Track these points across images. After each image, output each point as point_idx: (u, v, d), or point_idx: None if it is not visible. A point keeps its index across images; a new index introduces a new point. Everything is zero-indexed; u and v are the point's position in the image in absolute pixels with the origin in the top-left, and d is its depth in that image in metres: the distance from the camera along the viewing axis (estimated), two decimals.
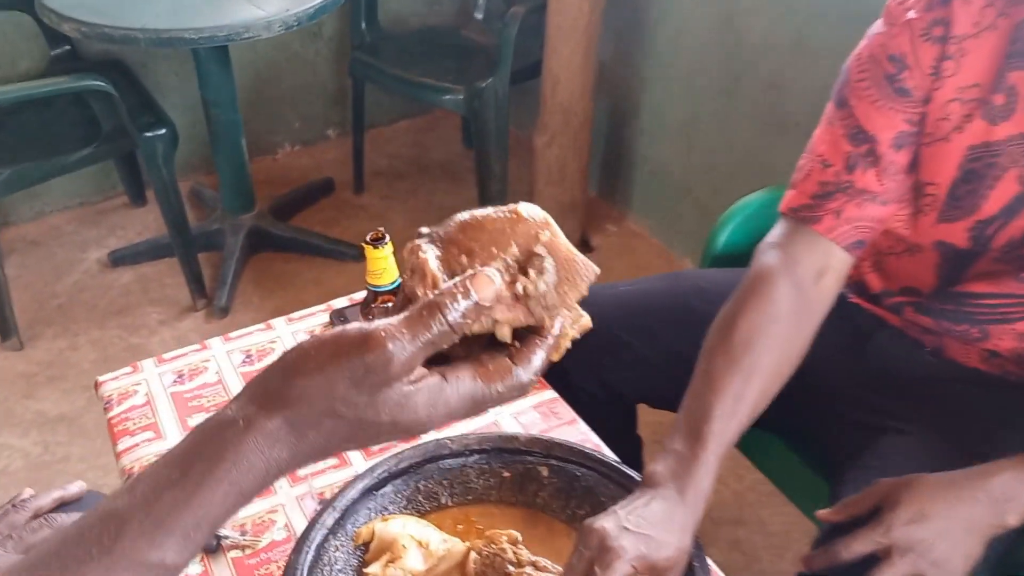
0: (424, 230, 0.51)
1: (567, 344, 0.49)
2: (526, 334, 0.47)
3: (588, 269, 0.49)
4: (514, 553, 0.83)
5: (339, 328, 0.44)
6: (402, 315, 0.43)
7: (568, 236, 0.49)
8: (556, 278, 0.47)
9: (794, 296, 0.88)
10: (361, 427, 0.43)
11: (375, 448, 0.93)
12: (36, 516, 0.82)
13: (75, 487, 0.88)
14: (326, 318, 1.21)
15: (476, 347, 0.46)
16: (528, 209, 0.51)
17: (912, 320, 1.01)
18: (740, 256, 1.21)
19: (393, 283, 0.97)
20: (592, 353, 0.98)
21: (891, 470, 0.86)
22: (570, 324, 0.49)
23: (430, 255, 0.48)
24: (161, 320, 2.11)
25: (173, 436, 1.03)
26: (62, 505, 0.86)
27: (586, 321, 0.50)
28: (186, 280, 2.14)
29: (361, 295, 1.16)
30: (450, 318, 0.43)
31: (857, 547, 0.80)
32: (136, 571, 0.43)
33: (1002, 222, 0.89)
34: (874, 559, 0.80)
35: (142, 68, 2.39)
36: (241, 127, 2.21)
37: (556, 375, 1.07)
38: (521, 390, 0.46)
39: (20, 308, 2.07)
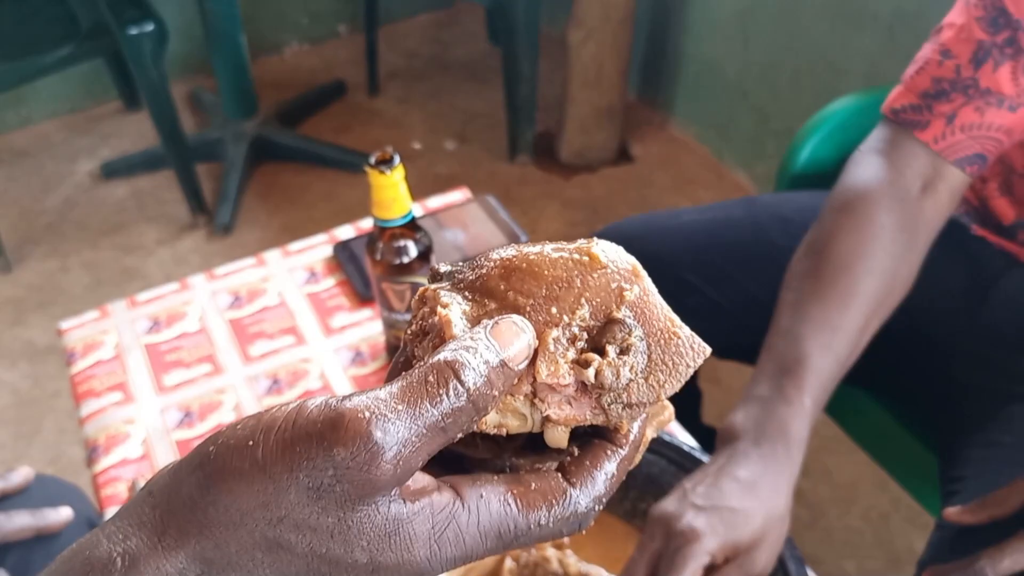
0: (443, 268, 0.32)
1: (644, 450, 0.30)
2: (588, 437, 0.30)
3: (695, 349, 0.30)
4: (559, 561, 0.67)
5: (295, 404, 0.25)
6: (395, 383, 0.25)
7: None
8: (647, 360, 0.29)
9: (898, 211, 0.70)
10: (319, 569, 0.25)
11: None
12: None
13: (18, 475, 0.71)
14: (329, 251, 1.01)
15: (508, 451, 0.30)
16: (608, 251, 0.31)
17: None
18: (826, 176, 1.00)
19: (405, 217, 0.77)
20: None
21: None
22: (649, 421, 0.31)
23: (454, 310, 0.29)
24: (159, 239, 1.93)
25: (145, 399, 0.86)
26: (2, 498, 0.70)
27: (669, 415, 0.33)
28: (184, 195, 1.94)
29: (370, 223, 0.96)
30: (470, 383, 0.25)
31: (1008, 564, 0.62)
32: None
33: None
34: None
35: None
36: (239, 22, 1.97)
37: None
38: (576, 523, 0.28)
39: (7, 226, 1.90)
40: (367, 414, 0.24)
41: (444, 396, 0.25)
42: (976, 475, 0.77)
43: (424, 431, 0.24)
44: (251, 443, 0.25)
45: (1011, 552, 0.62)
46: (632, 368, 0.28)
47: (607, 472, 0.28)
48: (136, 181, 2.08)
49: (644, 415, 0.30)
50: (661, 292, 0.31)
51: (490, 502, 0.26)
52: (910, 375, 0.90)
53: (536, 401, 0.28)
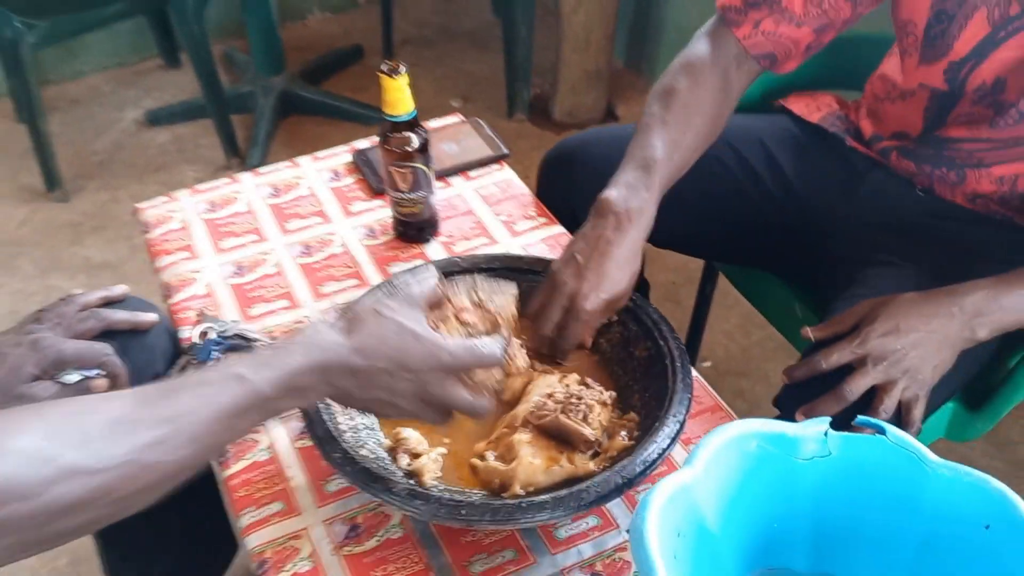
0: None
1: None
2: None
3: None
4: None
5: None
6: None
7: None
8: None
9: (718, 76, 0.98)
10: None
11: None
12: (83, 309, 0.92)
13: (118, 289, 0.97)
14: (349, 158, 1.27)
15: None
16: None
17: (898, 164, 1.05)
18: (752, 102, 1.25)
19: (409, 114, 1.03)
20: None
21: (877, 296, 0.92)
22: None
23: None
24: (196, 178, 2.19)
25: (207, 255, 1.11)
26: (107, 304, 0.95)
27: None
28: (220, 140, 2.20)
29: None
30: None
31: (835, 358, 0.86)
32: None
33: (973, 63, 0.92)
34: (851, 369, 0.86)
35: None
36: None
37: (566, 215, 1.14)
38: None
39: (64, 163, 2.17)
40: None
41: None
42: None
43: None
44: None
45: (838, 349, 0.87)
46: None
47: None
48: (176, 128, 2.35)
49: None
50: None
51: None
52: (801, 254, 1.14)
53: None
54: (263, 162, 2.21)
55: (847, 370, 0.86)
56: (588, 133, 1.21)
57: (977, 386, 1.06)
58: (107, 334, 0.91)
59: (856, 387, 0.83)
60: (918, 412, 0.85)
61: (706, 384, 0.93)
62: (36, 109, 2.04)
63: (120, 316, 0.93)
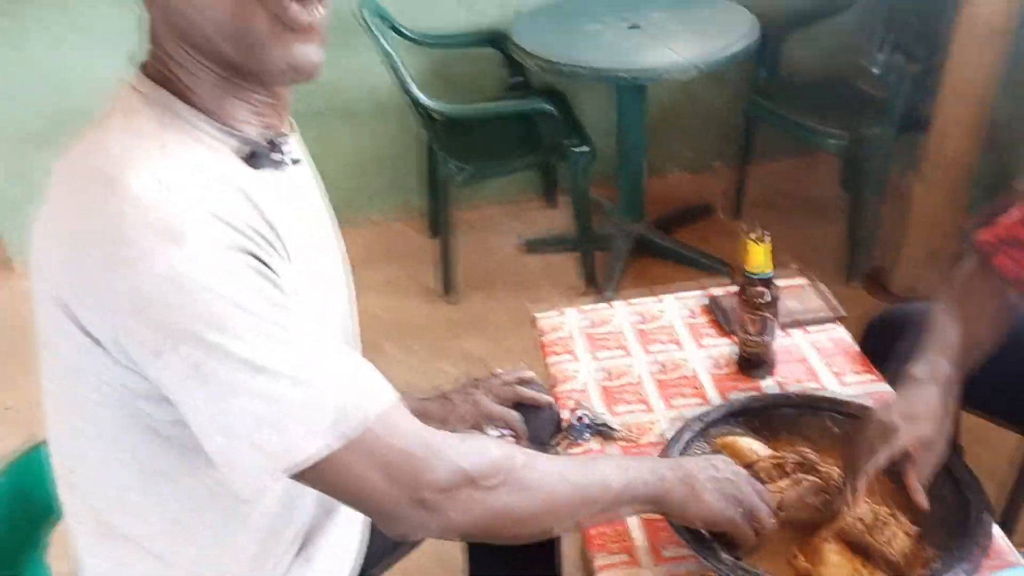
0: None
1: None
2: None
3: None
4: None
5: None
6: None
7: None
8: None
9: (995, 291, 1.16)
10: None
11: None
12: (504, 383, 1.26)
13: (529, 373, 1.31)
14: (704, 300, 1.54)
15: None
16: None
17: None
18: None
19: (766, 274, 1.27)
20: None
21: None
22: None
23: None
24: (557, 297, 2.59)
25: (585, 360, 1.42)
26: (521, 382, 1.29)
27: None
28: (582, 270, 2.60)
29: (734, 289, 1.47)
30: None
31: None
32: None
33: None
34: None
35: (574, 95, 2.92)
36: (644, 151, 2.63)
37: (889, 374, 1.29)
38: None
39: (458, 273, 2.68)
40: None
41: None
42: None
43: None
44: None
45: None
46: None
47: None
48: (547, 256, 2.81)
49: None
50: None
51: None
52: None
53: None
54: (615, 294, 2.56)
55: None
56: (911, 307, 1.37)
57: None
58: (516, 403, 1.24)
59: None
60: None
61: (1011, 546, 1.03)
62: (448, 229, 2.58)
63: (529, 394, 1.25)
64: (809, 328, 1.44)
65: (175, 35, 0.75)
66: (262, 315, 0.70)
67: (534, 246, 2.85)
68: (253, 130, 0.80)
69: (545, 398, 1.27)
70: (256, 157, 0.78)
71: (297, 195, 0.87)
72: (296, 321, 0.73)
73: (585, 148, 2.47)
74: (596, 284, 2.60)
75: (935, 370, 1.06)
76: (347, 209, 2.91)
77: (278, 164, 0.81)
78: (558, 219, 2.96)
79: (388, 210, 3.04)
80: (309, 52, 0.76)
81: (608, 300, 2.45)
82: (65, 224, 0.70)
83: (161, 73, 0.77)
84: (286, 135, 0.84)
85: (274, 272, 0.73)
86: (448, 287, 2.63)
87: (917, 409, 1.02)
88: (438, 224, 2.70)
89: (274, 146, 0.81)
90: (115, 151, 0.70)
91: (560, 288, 2.65)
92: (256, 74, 0.76)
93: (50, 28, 2.50)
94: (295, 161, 0.85)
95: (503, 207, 3.09)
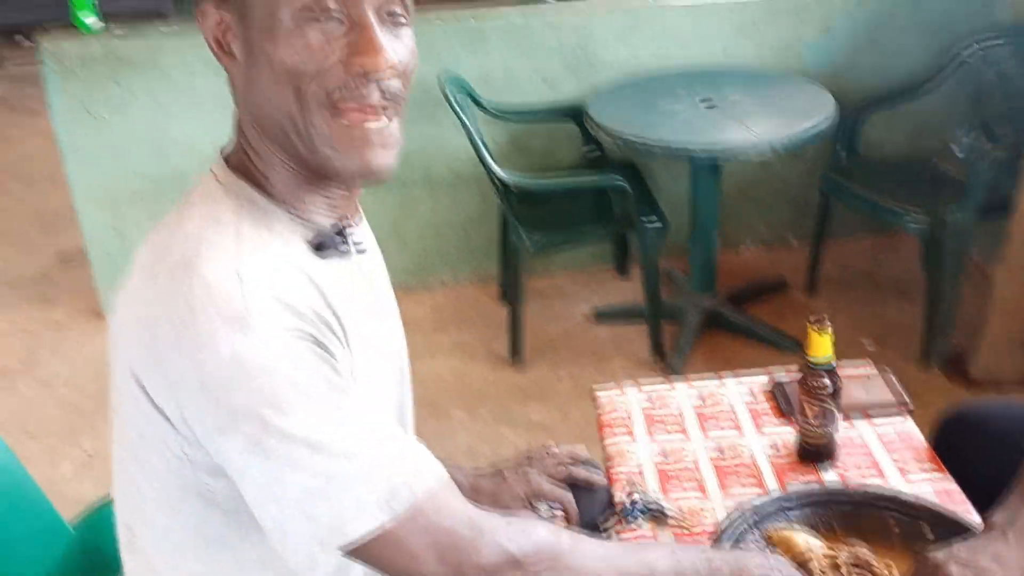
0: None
1: None
2: None
3: None
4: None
5: None
6: None
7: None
8: None
9: None
10: None
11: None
12: (557, 461, 1.27)
13: (582, 452, 1.31)
14: (766, 384, 1.52)
15: None
16: None
17: None
18: None
19: (828, 363, 1.26)
20: None
21: None
22: None
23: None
24: (624, 369, 2.60)
25: (641, 439, 1.42)
26: (573, 460, 1.30)
27: None
28: (650, 342, 2.60)
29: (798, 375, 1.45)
30: None
31: None
32: None
33: None
34: None
35: (647, 170, 2.95)
36: (717, 224, 2.63)
37: (958, 473, 1.25)
38: None
39: (526, 340, 2.71)
40: None
41: None
42: None
43: None
44: None
45: None
46: None
47: None
48: (615, 327, 2.81)
49: None
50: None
51: None
52: None
53: None
54: (682, 367, 2.55)
55: None
56: (993, 404, 1.33)
57: None
58: (569, 483, 1.25)
59: None
60: None
61: None
62: (519, 296, 2.62)
63: (582, 474, 1.26)
64: (875, 419, 1.41)
65: (257, 129, 0.82)
66: (319, 396, 0.74)
67: (604, 316, 2.86)
68: (324, 219, 0.85)
69: (599, 479, 1.27)
70: (324, 246, 0.83)
71: (361, 282, 0.91)
72: (351, 403, 0.77)
73: (657, 222, 2.50)
74: (664, 357, 2.59)
75: (1017, 519, 0.96)
76: (422, 272, 3.04)
77: (344, 253, 0.86)
78: (630, 289, 2.97)
79: (462, 274, 3.10)
80: (382, 158, 0.81)
81: (676, 373, 2.44)
82: (143, 302, 0.76)
83: (242, 163, 0.83)
84: (355, 224, 0.90)
85: (333, 356, 0.77)
86: (515, 353, 2.66)
87: (982, 561, 0.92)
88: (509, 290, 2.74)
89: (342, 235, 0.86)
90: (193, 237, 0.76)
91: (628, 360, 2.65)
92: (329, 175, 0.82)
93: (155, 96, 2.68)
94: (360, 251, 0.90)
95: (575, 275, 3.12)
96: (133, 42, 2.66)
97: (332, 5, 0.76)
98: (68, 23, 2.66)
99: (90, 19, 2.64)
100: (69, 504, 1.23)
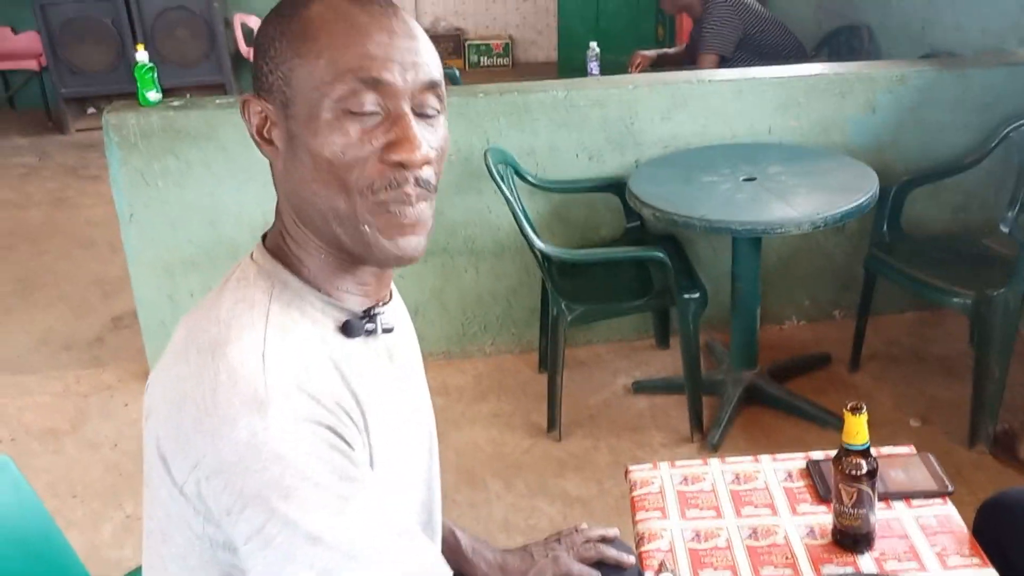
0: None
1: None
2: None
3: None
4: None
5: None
6: None
7: None
8: None
9: None
10: None
11: None
12: (586, 540, 1.26)
13: (612, 531, 1.31)
14: (803, 464, 1.50)
15: None
16: None
17: None
18: None
19: (863, 446, 1.24)
20: None
21: None
22: None
23: None
24: (662, 443, 2.57)
25: (674, 518, 1.41)
26: (603, 540, 1.29)
27: None
28: (689, 416, 2.58)
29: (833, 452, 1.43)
30: None
31: None
32: None
33: None
34: None
35: (688, 242, 2.96)
36: (759, 298, 2.62)
37: (999, 561, 1.22)
38: None
39: (564, 411, 2.70)
40: None
41: None
42: None
43: None
44: None
45: None
46: None
47: None
48: (654, 399, 2.79)
49: None
50: None
51: None
52: None
53: None
54: (721, 441, 2.51)
55: None
56: None
57: None
58: (598, 562, 1.24)
59: None
60: None
61: None
62: (557, 366, 2.63)
63: (611, 553, 1.25)
64: (913, 502, 1.38)
65: (294, 215, 0.86)
66: (329, 488, 0.75)
67: (642, 387, 2.85)
68: (356, 301, 0.88)
69: (628, 559, 1.26)
70: (351, 328, 0.86)
71: (389, 363, 0.93)
72: (364, 496, 0.78)
73: (696, 294, 2.50)
74: (702, 431, 2.56)
75: None
76: (464, 340, 3.07)
77: (371, 333, 0.89)
78: (669, 361, 2.96)
79: (501, 343, 3.12)
80: (415, 244, 0.84)
81: (715, 447, 2.41)
82: (173, 380, 0.79)
83: (279, 246, 0.87)
84: (385, 304, 0.92)
85: (349, 446, 0.79)
86: (552, 424, 2.66)
87: None
88: (548, 361, 2.75)
89: (370, 316, 0.89)
90: (225, 320, 0.80)
91: (666, 432, 2.63)
92: (367, 260, 0.85)
93: (210, 167, 2.79)
94: (387, 330, 0.92)
95: (614, 346, 3.12)
96: (190, 113, 2.78)
97: (371, 100, 0.80)
98: (135, 97, 2.80)
99: (152, 94, 2.77)
100: (109, 567, 1.26)
